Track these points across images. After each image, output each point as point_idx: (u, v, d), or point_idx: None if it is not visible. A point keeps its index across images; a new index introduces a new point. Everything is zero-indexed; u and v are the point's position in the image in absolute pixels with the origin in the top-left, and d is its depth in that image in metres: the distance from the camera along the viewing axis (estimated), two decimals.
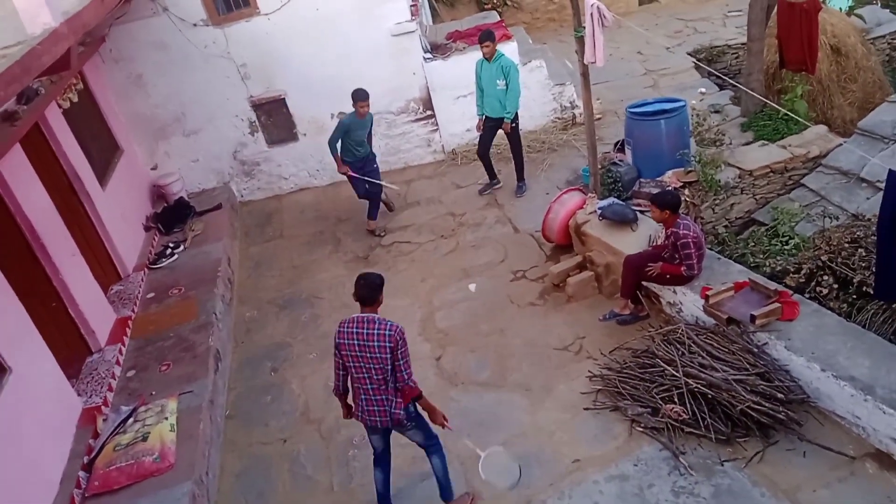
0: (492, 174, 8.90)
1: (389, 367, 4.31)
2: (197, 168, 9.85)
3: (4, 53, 5.06)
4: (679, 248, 5.72)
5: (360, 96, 7.89)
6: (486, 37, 8.07)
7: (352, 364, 4.37)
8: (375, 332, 4.25)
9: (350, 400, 4.68)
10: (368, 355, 4.28)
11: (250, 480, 5.62)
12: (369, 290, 4.32)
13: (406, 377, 4.35)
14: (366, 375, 4.35)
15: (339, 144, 8.13)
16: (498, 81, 8.11)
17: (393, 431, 4.71)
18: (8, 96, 4.74)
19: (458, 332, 6.76)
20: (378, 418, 4.47)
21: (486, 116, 8.43)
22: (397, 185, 9.15)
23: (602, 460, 5.05)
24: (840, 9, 10.82)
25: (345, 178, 8.55)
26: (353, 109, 7.96)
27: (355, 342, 4.30)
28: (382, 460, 4.82)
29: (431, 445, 4.74)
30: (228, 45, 9.05)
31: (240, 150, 9.80)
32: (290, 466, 5.66)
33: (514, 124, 8.36)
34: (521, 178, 8.74)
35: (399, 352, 4.28)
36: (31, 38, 5.33)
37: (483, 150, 8.66)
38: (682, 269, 5.77)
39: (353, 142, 8.15)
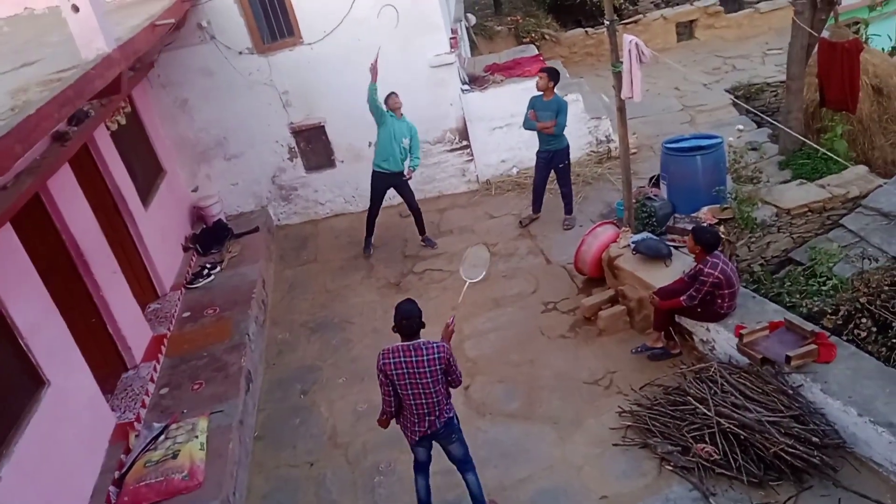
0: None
1: (441, 379, 4.46)
2: (236, 191, 10.07)
3: (59, 77, 5.27)
4: (695, 280, 5.71)
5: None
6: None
7: (404, 391, 4.46)
8: (425, 357, 4.37)
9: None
10: (419, 381, 4.40)
11: (276, 502, 5.64)
12: (414, 324, 4.42)
13: (457, 379, 4.55)
14: (421, 392, 4.43)
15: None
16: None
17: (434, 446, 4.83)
18: (61, 118, 4.93)
19: (488, 361, 6.75)
20: (429, 419, 4.53)
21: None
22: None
23: (630, 498, 4.98)
24: (882, 49, 10.74)
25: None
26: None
27: (404, 371, 4.39)
28: (425, 469, 4.92)
29: (468, 462, 4.88)
30: (272, 72, 9.28)
31: (278, 174, 9.98)
32: (316, 490, 5.68)
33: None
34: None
35: (451, 366, 4.45)
36: (85, 63, 5.54)
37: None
38: (683, 298, 5.75)
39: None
